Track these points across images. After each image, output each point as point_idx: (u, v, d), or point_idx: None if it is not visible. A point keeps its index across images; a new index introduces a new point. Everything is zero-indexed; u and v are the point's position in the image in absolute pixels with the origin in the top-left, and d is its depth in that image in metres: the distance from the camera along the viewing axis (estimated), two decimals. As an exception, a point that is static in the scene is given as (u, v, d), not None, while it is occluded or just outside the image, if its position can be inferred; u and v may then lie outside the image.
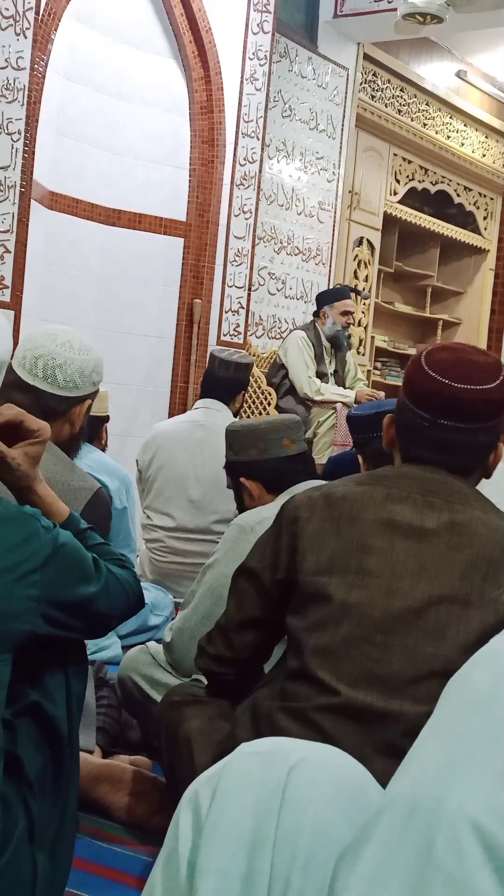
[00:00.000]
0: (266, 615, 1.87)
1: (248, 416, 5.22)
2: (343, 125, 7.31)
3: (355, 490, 1.78)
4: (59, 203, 5.50)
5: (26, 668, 1.58)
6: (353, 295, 6.96)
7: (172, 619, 3.38)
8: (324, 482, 2.05)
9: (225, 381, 4.22)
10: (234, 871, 0.95)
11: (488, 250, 9.53)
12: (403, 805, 0.77)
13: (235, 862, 0.95)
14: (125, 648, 3.17)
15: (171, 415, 5.81)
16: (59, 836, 1.61)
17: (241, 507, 2.61)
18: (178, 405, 5.97)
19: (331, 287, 6.97)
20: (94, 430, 3.58)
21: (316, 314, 5.97)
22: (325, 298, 6.00)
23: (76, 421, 2.42)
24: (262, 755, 1.02)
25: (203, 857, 0.95)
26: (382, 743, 1.57)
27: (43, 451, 1.66)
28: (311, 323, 5.97)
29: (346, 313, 5.87)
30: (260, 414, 5.53)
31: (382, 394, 5.88)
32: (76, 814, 1.69)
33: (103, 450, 3.74)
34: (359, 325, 7.84)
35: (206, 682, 2.11)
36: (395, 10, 6.32)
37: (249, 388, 5.16)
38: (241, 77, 6.06)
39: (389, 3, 6.54)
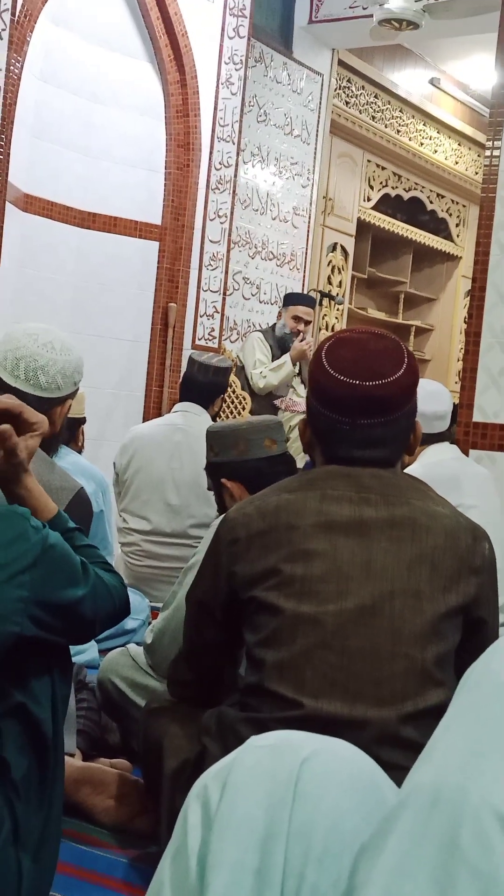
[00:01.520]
0: (222, 639, 1.84)
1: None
2: (318, 131, 7.31)
3: (288, 498, 1.74)
4: (34, 205, 5.46)
5: (12, 669, 1.56)
6: (328, 301, 7.01)
7: (149, 623, 3.36)
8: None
9: (203, 385, 4.20)
10: (246, 866, 0.93)
11: (461, 257, 9.58)
12: (426, 796, 0.76)
13: (248, 856, 0.94)
14: (102, 652, 3.15)
15: (145, 418, 5.78)
16: (43, 839, 1.59)
17: (222, 509, 2.60)
18: (153, 409, 5.94)
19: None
20: (71, 432, 3.56)
21: (278, 315, 6.05)
22: (285, 300, 6.16)
23: (57, 421, 2.41)
24: (272, 748, 1.00)
25: (214, 852, 0.94)
26: None
27: (38, 444, 1.64)
28: (274, 325, 6.04)
29: (297, 319, 5.92)
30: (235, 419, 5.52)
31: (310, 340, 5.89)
32: (61, 817, 1.67)
33: (80, 452, 3.72)
34: (332, 330, 7.84)
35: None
36: (371, 16, 6.32)
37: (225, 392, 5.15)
38: (217, 81, 6.06)
39: (364, 9, 6.54)
